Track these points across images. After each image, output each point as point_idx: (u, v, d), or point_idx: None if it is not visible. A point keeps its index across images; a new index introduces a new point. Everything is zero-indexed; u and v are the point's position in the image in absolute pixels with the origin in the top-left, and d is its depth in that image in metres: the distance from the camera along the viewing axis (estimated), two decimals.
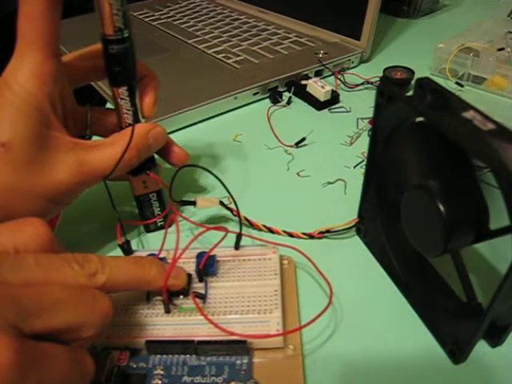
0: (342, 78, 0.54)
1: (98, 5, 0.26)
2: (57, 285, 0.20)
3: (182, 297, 0.27)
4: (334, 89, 0.51)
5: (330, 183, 0.39)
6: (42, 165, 0.27)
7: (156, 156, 0.33)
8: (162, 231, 0.34)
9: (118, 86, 0.29)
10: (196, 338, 0.25)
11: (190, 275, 0.28)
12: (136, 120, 0.30)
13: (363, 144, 0.42)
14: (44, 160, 0.27)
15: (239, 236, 0.30)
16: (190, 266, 0.28)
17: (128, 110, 0.30)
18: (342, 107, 0.49)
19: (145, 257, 0.28)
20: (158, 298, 0.27)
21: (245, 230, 0.33)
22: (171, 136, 0.34)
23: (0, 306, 0.17)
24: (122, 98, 0.29)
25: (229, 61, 0.56)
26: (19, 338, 0.17)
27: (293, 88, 0.51)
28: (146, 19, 0.72)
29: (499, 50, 0.50)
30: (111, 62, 0.28)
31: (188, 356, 0.25)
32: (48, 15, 0.25)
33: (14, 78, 0.26)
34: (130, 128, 0.29)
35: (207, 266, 0.28)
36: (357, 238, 0.33)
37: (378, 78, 0.53)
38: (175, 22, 0.70)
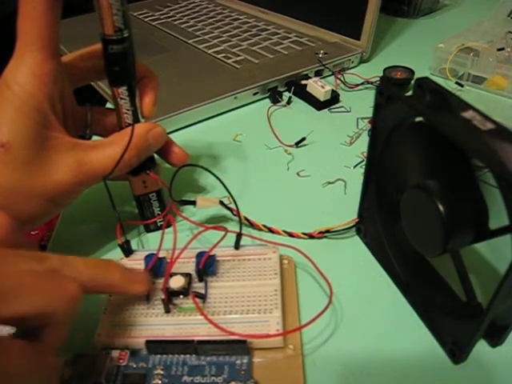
0: (342, 78, 0.54)
1: (98, 5, 0.26)
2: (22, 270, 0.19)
3: (181, 297, 0.27)
4: (334, 89, 0.51)
5: (329, 183, 0.39)
6: (41, 165, 0.27)
7: (156, 156, 0.33)
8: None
9: (118, 85, 0.29)
10: (196, 338, 0.25)
11: (189, 275, 0.28)
12: (136, 120, 0.30)
13: (363, 144, 0.42)
14: (43, 160, 0.27)
15: (239, 236, 0.30)
16: (190, 266, 0.28)
17: (128, 109, 0.30)
18: (342, 107, 0.49)
19: (107, 260, 0.27)
20: (158, 297, 0.27)
21: (245, 230, 0.33)
22: (171, 136, 0.34)
23: None
24: (121, 98, 0.29)
25: (229, 61, 0.56)
26: None
27: (293, 88, 0.51)
28: (146, 19, 0.72)
29: (499, 50, 0.50)
30: (111, 61, 0.28)
31: (188, 356, 0.25)
32: (48, 16, 0.25)
33: (14, 79, 0.26)
34: (129, 128, 0.29)
35: (207, 266, 0.28)
36: (357, 237, 0.33)
37: (378, 78, 0.53)
38: (175, 22, 0.70)
